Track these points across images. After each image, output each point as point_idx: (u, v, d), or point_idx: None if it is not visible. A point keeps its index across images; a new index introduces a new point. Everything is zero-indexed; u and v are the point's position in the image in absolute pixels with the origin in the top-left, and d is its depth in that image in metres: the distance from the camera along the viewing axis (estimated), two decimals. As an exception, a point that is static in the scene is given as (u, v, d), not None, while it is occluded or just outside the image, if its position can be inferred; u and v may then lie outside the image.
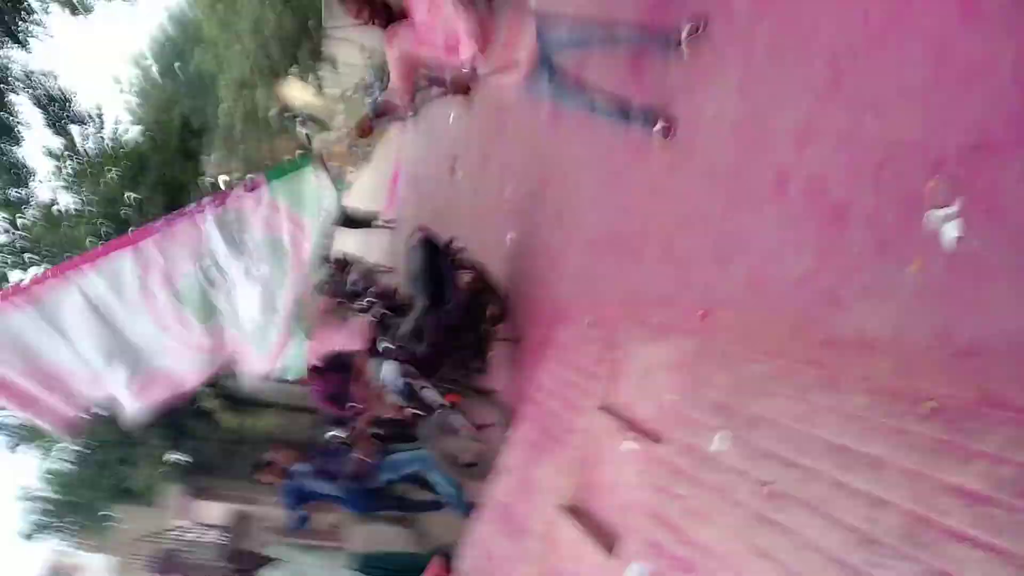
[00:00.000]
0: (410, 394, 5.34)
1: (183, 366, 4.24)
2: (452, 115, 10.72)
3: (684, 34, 3.54)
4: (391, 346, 5.38)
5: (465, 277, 5.79)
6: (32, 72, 11.17)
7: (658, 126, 3.65)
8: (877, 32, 2.39)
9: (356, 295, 8.59)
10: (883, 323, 2.10)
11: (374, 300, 7.08)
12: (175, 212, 4.20)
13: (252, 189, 4.14)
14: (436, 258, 5.57)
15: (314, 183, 4.21)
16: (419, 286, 5.47)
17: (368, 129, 4.00)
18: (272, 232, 4.17)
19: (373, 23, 3.42)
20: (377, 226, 13.33)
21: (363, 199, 16.11)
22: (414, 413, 5.43)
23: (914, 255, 2.03)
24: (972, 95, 1.98)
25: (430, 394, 5.27)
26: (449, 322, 5.37)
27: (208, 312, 4.20)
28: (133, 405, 4.14)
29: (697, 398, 2.78)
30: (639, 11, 4.16)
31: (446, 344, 5.42)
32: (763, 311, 2.66)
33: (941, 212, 1.96)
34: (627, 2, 4.42)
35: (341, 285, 9.00)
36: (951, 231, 1.92)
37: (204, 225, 4.08)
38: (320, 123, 37.92)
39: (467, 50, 3.34)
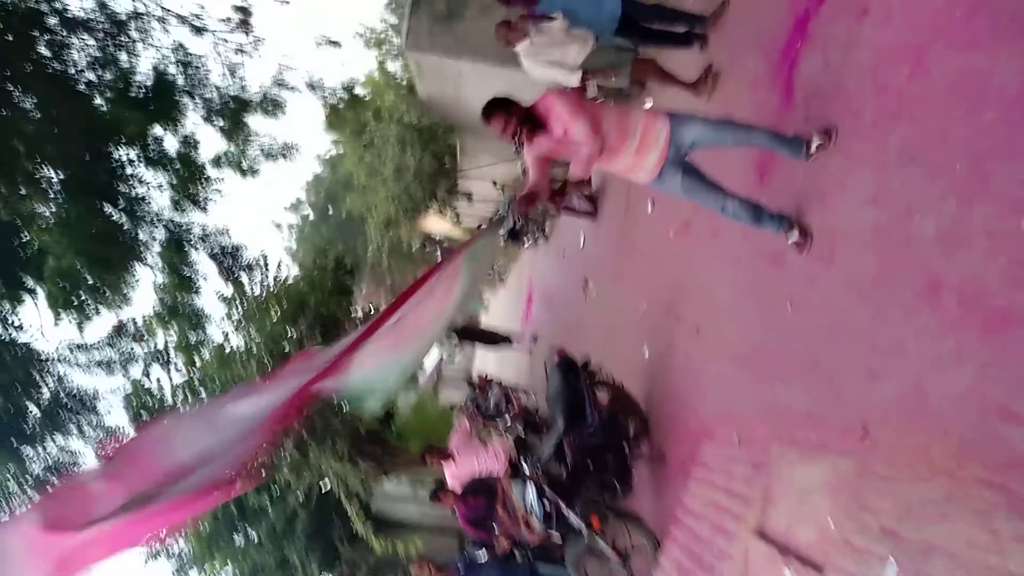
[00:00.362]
0: (553, 517, 5.26)
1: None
2: (583, 236, 11.03)
3: (814, 145, 3.59)
4: (532, 468, 5.38)
5: (604, 396, 5.77)
6: (209, 231, 12.83)
7: (793, 235, 3.63)
8: (1018, 127, 2.32)
9: (497, 415, 8.72)
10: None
11: (514, 420, 7.17)
12: None
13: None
14: (574, 378, 5.62)
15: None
16: (558, 407, 5.50)
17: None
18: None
19: (516, 139, 3.69)
20: (512, 346, 13.70)
21: (500, 319, 16.61)
22: (559, 536, 5.32)
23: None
24: None
25: (573, 517, 5.17)
26: (590, 443, 5.32)
27: None
28: None
29: (861, 523, 2.58)
30: (769, 116, 4.24)
31: (587, 465, 5.34)
32: (927, 429, 2.48)
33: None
34: (757, 107, 4.51)
35: (482, 405, 9.18)
36: None
37: None
38: (457, 252, 40.03)
39: (594, 146, 3.53)
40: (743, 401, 4.16)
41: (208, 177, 12.55)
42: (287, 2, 12.55)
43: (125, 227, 11.68)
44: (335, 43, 13.17)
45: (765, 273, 4.10)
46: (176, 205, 12.33)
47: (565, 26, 5.36)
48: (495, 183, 16.67)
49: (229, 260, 13.06)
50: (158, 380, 13.99)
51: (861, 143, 3.30)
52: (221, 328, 14.25)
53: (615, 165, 3.70)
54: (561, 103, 3.55)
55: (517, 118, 3.62)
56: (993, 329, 2.25)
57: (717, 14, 5.68)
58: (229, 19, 11.93)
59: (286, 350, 13.06)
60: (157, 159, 11.83)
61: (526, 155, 3.79)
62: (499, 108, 3.65)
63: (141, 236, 12.02)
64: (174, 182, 12.15)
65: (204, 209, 12.52)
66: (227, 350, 13.98)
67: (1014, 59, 2.42)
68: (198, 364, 14.03)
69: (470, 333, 14.36)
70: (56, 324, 12.16)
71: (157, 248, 12.33)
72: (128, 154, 11.51)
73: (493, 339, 13.91)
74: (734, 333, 4.46)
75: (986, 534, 2.01)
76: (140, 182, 11.88)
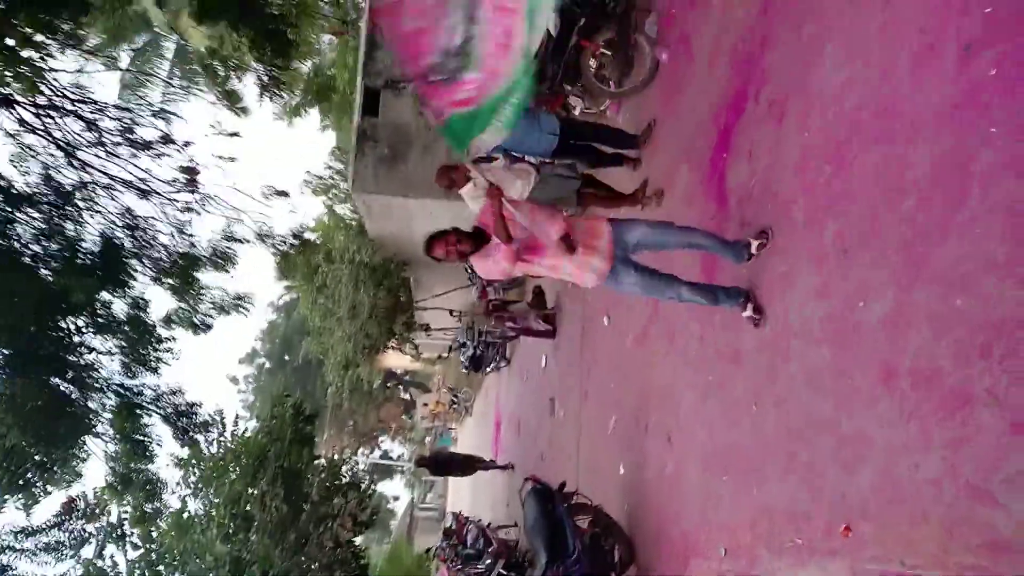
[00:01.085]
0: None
1: None
2: (543, 357, 11.04)
3: (754, 246, 3.78)
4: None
5: (584, 521, 5.57)
6: (161, 392, 12.44)
7: (748, 311, 3.76)
8: (939, 211, 2.45)
9: (476, 556, 8.31)
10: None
11: (495, 561, 6.84)
12: None
13: None
14: (551, 506, 5.43)
15: None
16: (537, 540, 5.27)
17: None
18: None
19: (462, 258, 3.88)
20: (488, 466, 13.15)
21: (469, 450, 16.18)
22: None
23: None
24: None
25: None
26: (575, 574, 5.07)
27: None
28: None
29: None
30: (707, 225, 4.42)
31: (576, 599, 5.07)
32: (908, 518, 2.43)
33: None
34: (695, 218, 4.69)
35: (459, 548, 8.75)
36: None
37: None
38: (420, 385, 39.49)
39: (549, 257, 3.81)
40: (723, 508, 4.05)
41: (159, 338, 12.33)
42: (233, 159, 12.88)
43: (74, 397, 11.26)
44: (283, 193, 13.46)
45: (726, 373, 4.12)
46: (127, 370, 12.01)
47: (507, 164, 5.58)
48: (452, 312, 16.75)
49: (184, 421, 12.61)
50: (112, 558, 13.08)
51: (798, 241, 3.44)
52: (178, 494, 13.57)
53: (562, 270, 3.88)
54: (493, 210, 3.76)
55: (455, 236, 3.81)
56: (951, 409, 2.27)
57: (645, 134, 6.03)
58: (176, 180, 12.16)
59: (247, 511, 12.45)
60: (106, 324, 11.62)
61: (480, 265, 3.94)
62: (436, 237, 3.86)
63: (91, 405, 11.58)
64: (124, 346, 11.88)
65: (156, 371, 12.22)
66: (185, 516, 13.24)
67: (923, 147, 2.59)
68: (155, 535, 13.21)
69: (443, 466, 13.84)
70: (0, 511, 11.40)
71: (108, 416, 11.86)
72: (76, 322, 11.29)
73: (469, 466, 13.34)
74: (704, 437, 4.42)
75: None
76: (89, 349, 11.59)
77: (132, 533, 13.03)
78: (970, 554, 2.12)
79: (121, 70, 12.67)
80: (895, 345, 2.59)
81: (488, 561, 7.89)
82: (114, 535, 12.65)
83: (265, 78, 12.39)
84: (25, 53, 8.88)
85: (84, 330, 11.36)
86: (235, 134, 12.83)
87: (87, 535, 12.38)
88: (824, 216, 3.22)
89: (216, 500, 12.81)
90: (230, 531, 12.48)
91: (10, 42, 8.40)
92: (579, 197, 6.01)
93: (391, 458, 50.60)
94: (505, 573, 7.40)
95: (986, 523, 2.09)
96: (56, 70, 10.34)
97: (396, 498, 53.05)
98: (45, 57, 9.31)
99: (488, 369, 14.65)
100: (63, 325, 11.09)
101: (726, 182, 4.40)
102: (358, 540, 15.37)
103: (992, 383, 2.12)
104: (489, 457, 14.48)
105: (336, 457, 17.10)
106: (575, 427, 8.37)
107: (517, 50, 3.76)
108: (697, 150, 4.98)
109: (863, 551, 2.66)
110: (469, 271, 11.48)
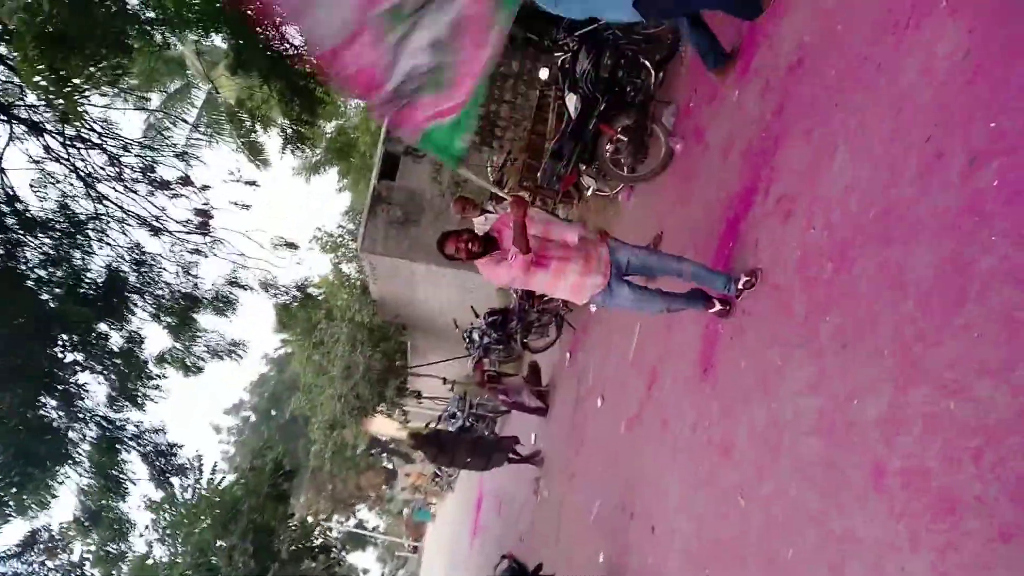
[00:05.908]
0: None
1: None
2: (533, 435, 10.88)
3: (742, 283, 4.03)
4: None
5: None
6: (144, 429, 12.21)
7: (742, 281, 4.03)
8: (937, 313, 2.47)
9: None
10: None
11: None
12: None
13: None
14: (525, 587, 5.25)
15: None
16: (510, 621, 5.07)
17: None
18: None
19: (471, 258, 4.16)
20: (507, 452, 9.77)
21: (447, 527, 15.72)
22: None
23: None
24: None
25: None
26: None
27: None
28: None
29: None
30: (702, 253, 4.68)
31: None
32: (894, 622, 2.35)
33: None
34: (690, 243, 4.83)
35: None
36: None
37: None
38: (404, 455, 38.74)
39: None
40: (704, 605, 3.91)
41: (149, 374, 12.20)
42: (247, 207, 13.06)
43: (55, 425, 11.05)
44: (292, 245, 13.58)
45: (715, 464, 4.06)
46: (112, 403, 11.83)
47: None
48: (445, 380, 16.65)
49: (162, 461, 12.32)
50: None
51: (796, 334, 3.45)
52: (145, 537, 13.15)
53: (562, 283, 4.19)
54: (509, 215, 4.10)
55: (468, 236, 4.14)
56: (940, 512, 2.23)
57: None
58: (189, 221, 12.31)
59: (212, 562, 12.03)
60: (99, 355, 11.53)
61: (489, 272, 4.26)
62: (450, 234, 4.23)
63: (72, 435, 11.36)
64: (113, 379, 11.75)
65: (142, 407, 12.03)
66: (149, 562, 12.80)
67: (925, 251, 2.64)
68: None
69: (448, 449, 10.02)
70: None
71: (86, 447, 11.62)
72: (70, 347, 11.21)
73: (481, 451, 10.10)
74: (689, 530, 4.31)
75: None
76: (80, 370, 11.46)
77: (92, 574, 12.54)
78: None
79: (150, 111, 13.02)
80: (886, 445, 2.56)
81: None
82: (73, 575, 12.18)
83: (289, 131, 12.69)
84: (69, 85, 9.14)
85: (76, 353, 11.27)
86: (253, 183, 13.06)
87: (47, 571, 11.94)
88: (823, 312, 3.25)
89: (183, 548, 12.41)
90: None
91: (62, 72, 8.66)
92: None
93: (366, 528, 49.22)
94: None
95: (974, 634, 2.02)
96: (89, 104, 10.64)
97: (366, 572, 51.32)
98: (86, 91, 9.59)
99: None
100: (57, 347, 11.02)
101: (731, 272, 4.46)
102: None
103: (982, 489, 2.09)
104: (467, 539, 13.83)
105: (311, 519, 16.67)
106: (558, 509, 8.18)
107: (486, 61, 3.93)
108: (703, 238, 5.06)
109: (845, 657, 2.55)
110: (467, 338, 11.45)
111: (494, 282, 4.53)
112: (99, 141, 10.99)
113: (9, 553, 11.48)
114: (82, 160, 11.04)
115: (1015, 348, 2.12)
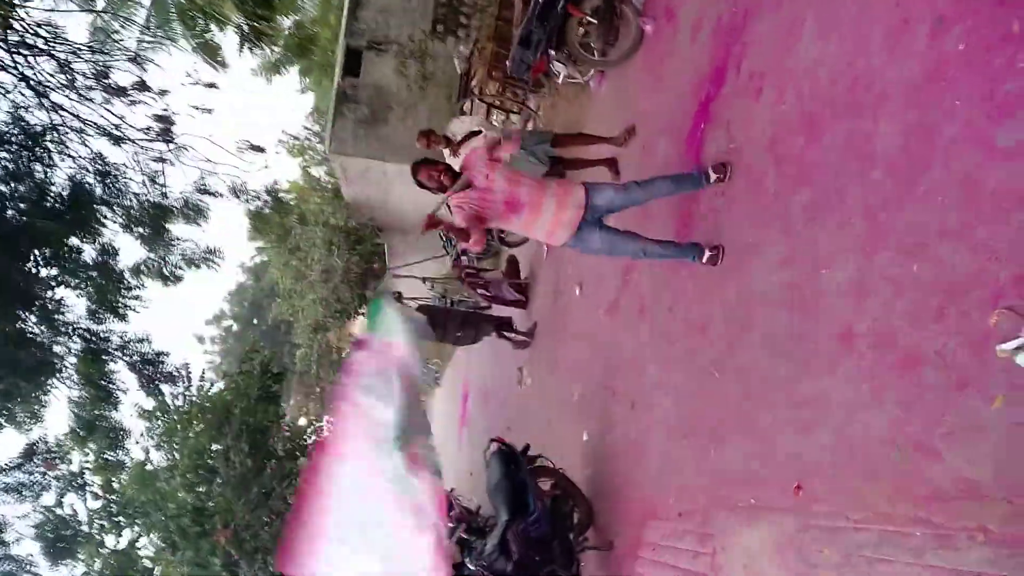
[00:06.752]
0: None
1: None
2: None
3: (712, 179, 4.00)
4: (477, 566, 5.17)
5: (546, 484, 5.66)
6: (129, 340, 12.28)
7: (706, 255, 3.96)
8: (903, 180, 2.52)
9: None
10: (981, 466, 1.99)
11: (455, 525, 6.92)
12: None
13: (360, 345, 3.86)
14: (514, 468, 5.50)
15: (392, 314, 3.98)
16: (499, 499, 5.35)
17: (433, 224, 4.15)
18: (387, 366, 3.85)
19: (442, 190, 4.25)
20: (500, 327, 10.26)
21: (436, 421, 16.26)
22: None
23: (994, 391, 1.97)
24: (1012, 224, 2.03)
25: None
26: (534, 534, 5.17)
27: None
28: None
29: (808, 578, 2.57)
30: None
31: (534, 557, 5.17)
32: (858, 474, 2.53)
33: (1011, 344, 1.93)
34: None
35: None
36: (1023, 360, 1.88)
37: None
38: (390, 354, 39.37)
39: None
40: (681, 472, 4.16)
41: (128, 285, 12.14)
42: (209, 111, 12.61)
43: (39, 339, 11.07)
44: (259, 148, 13.24)
45: (691, 342, 4.21)
46: (93, 315, 11.82)
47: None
48: (424, 280, 16.74)
49: (150, 369, 12.47)
50: (72, 507, 13.01)
51: (769, 210, 3.51)
52: (141, 444, 13.49)
53: (536, 225, 4.08)
54: (480, 152, 4.10)
55: (443, 167, 4.19)
56: (903, 369, 2.36)
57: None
58: (150, 128, 11.90)
59: (210, 463, 12.43)
60: (73, 269, 11.41)
61: (457, 215, 4.15)
62: (424, 162, 4.34)
63: (56, 349, 11.41)
64: (91, 291, 11.69)
65: (124, 318, 12.04)
66: (148, 468, 13.19)
67: (892, 120, 2.66)
68: (116, 486, 13.14)
69: (439, 321, 9.85)
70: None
71: (72, 361, 11.70)
72: (42, 262, 11.06)
73: (473, 324, 10.15)
74: (667, 404, 4.52)
75: (923, 570, 2.03)
76: (56, 285, 11.38)
77: (92, 483, 12.95)
78: (914, 506, 2.22)
79: (95, 12, 12.27)
80: (854, 310, 2.68)
81: (450, 525, 7.98)
82: (74, 484, 12.57)
83: (245, 28, 12.10)
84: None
85: (51, 267, 11.14)
86: (212, 85, 12.57)
87: (47, 483, 12.30)
88: (795, 186, 3.29)
89: (180, 453, 12.76)
90: (193, 481, 12.46)
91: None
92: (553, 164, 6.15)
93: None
94: (467, 537, 7.50)
95: (929, 476, 2.19)
96: (27, 6, 10.03)
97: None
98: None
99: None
100: (29, 263, 10.87)
101: (703, 152, 4.46)
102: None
103: (943, 344, 2.21)
104: (456, 432, 14.28)
105: (303, 421, 17.11)
106: (542, 396, 8.47)
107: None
108: (677, 120, 5.02)
109: (812, 507, 2.76)
110: (444, 238, 11.44)
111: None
112: (46, 47, 10.44)
113: (10, 465, 11.77)
114: (31, 68, 10.52)
115: (974, 210, 2.19)
